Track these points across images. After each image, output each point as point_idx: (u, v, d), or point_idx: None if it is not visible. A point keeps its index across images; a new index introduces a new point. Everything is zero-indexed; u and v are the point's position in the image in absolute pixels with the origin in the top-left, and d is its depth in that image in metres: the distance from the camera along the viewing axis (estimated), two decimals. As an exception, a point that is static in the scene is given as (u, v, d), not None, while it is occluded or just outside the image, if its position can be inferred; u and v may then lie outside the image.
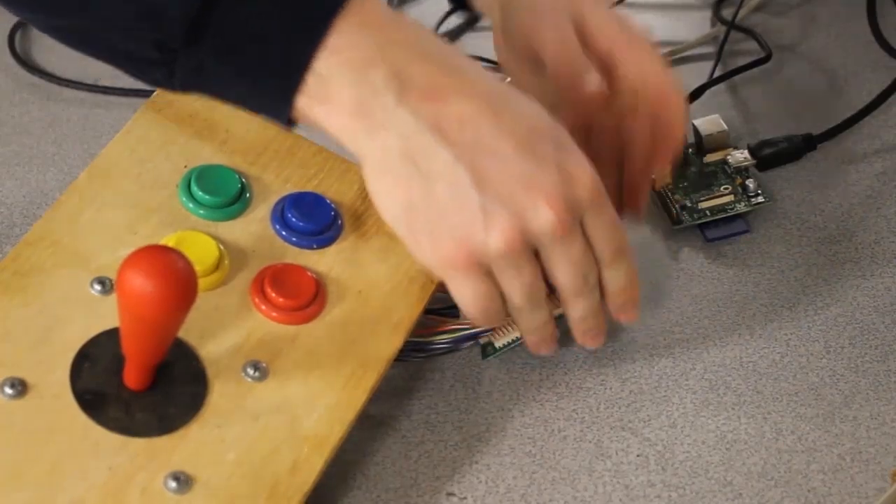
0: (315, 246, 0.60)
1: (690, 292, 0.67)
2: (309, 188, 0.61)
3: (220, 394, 0.54)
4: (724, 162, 0.73)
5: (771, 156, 0.74)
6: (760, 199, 0.71)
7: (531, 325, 0.58)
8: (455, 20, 0.92)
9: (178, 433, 0.53)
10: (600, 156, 0.58)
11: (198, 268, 0.52)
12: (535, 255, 0.55)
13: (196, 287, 0.49)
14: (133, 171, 0.59)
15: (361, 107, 0.52)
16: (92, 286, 0.56)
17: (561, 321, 0.61)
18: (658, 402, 0.61)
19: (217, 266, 0.57)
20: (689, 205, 0.71)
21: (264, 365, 0.55)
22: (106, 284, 0.56)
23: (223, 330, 0.56)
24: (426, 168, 0.52)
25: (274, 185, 0.61)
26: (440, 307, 0.64)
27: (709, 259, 0.69)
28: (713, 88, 0.79)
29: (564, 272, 0.56)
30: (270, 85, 0.53)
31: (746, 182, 0.71)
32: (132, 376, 0.53)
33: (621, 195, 0.63)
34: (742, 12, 0.86)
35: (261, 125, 0.62)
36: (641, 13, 0.93)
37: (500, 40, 0.65)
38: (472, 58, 0.55)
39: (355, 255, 0.60)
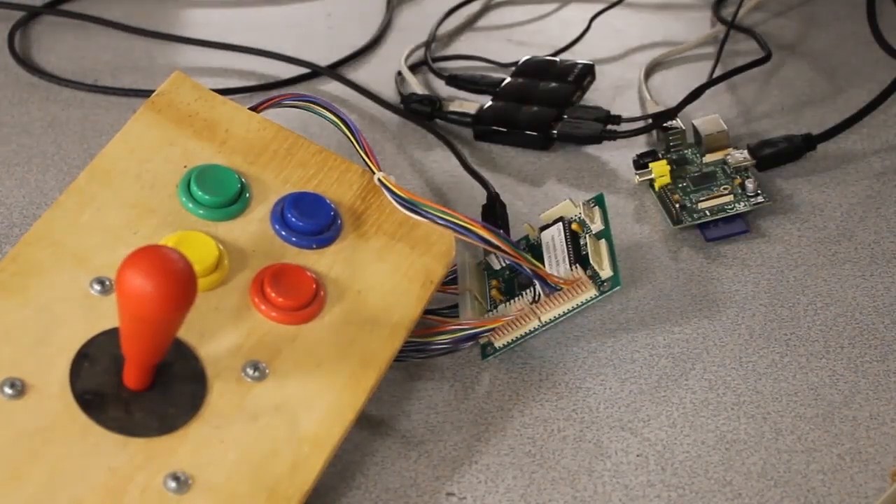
0: (314, 246, 0.60)
1: (690, 292, 0.67)
2: (308, 188, 0.61)
3: (219, 394, 0.54)
4: (724, 162, 0.73)
5: (771, 156, 0.74)
6: (760, 199, 0.71)
7: None
8: (454, 21, 0.92)
9: (177, 433, 0.53)
10: None
11: (197, 268, 0.52)
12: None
13: (196, 287, 0.49)
14: (133, 171, 0.59)
15: None
16: (92, 286, 0.56)
17: (560, 322, 0.61)
18: (658, 402, 0.61)
19: (217, 266, 0.57)
20: (688, 205, 0.71)
21: (264, 365, 0.55)
22: (106, 284, 0.56)
23: (223, 330, 0.56)
24: None
25: (273, 186, 0.61)
26: (440, 307, 0.64)
27: (709, 259, 0.69)
28: (713, 88, 0.79)
29: None
30: None
31: (746, 182, 0.71)
32: (132, 376, 0.53)
33: None
34: (742, 12, 0.86)
35: (261, 125, 0.62)
36: (641, 13, 0.94)
37: None
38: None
39: (355, 255, 0.60)
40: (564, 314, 0.61)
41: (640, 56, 0.88)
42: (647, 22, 0.92)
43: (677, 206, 0.71)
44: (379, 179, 0.61)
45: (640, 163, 0.74)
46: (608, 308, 0.66)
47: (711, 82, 0.79)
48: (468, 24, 0.92)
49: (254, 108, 0.63)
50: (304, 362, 0.56)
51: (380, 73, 0.87)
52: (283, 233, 0.59)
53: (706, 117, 0.75)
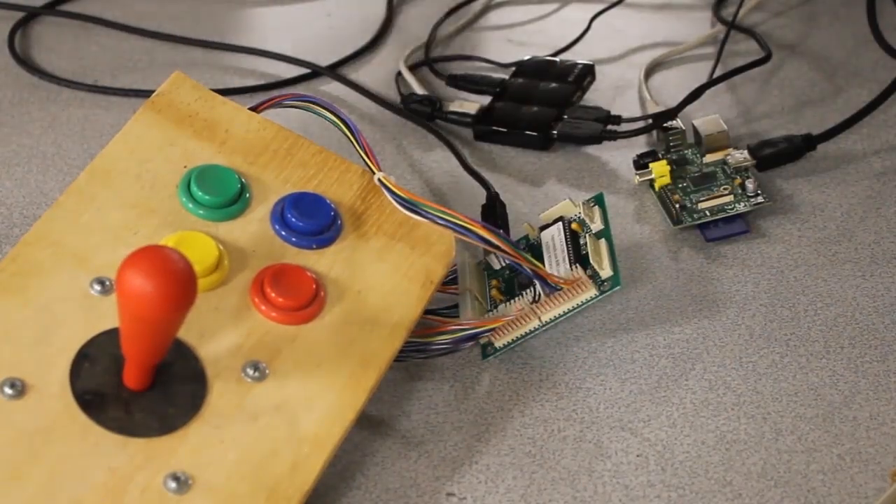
0: (315, 246, 0.60)
1: (690, 292, 0.67)
2: (308, 188, 0.61)
3: (219, 394, 0.54)
4: (724, 162, 0.73)
5: (771, 156, 0.74)
6: (760, 199, 0.71)
7: None
8: (454, 21, 0.92)
9: (177, 433, 0.53)
10: None
11: (197, 268, 0.52)
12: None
13: (196, 287, 0.49)
14: (133, 171, 0.59)
15: None
16: (92, 286, 0.56)
17: (560, 322, 0.61)
18: (658, 402, 0.61)
19: (217, 266, 0.57)
20: (688, 205, 0.71)
21: (264, 365, 0.55)
22: (106, 284, 0.56)
23: (223, 330, 0.56)
24: None
25: (273, 186, 0.61)
26: (440, 307, 0.64)
27: (709, 259, 0.69)
28: (713, 88, 0.79)
29: None
30: None
31: (746, 182, 0.71)
32: (132, 376, 0.53)
33: None
34: (742, 12, 0.86)
35: (261, 125, 0.62)
36: (641, 13, 0.94)
37: None
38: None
39: (355, 255, 0.60)
40: (565, 314, 0.61)
41: (640, 56, 0.88)
42: (647, 22, 0.92)
43: (677, 206, 0.71)
44: (379, 179, 0.61)
45: (641, 163, 0.74)
46: (608, 308, 0.66)
47: (711, 82, 0.79)
48: (468, 24, 0.92)
49: (254, 109, 0.63)
50: (304, 362, 0.56)
51: (380, 73, 0.87)
52: (284, 233, 0.59)
53: (706, 117, 0.75)
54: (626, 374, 0.62)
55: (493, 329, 0.61)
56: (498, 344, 0.62)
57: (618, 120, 0.78)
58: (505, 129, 0.78)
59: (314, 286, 0.58)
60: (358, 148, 0.63)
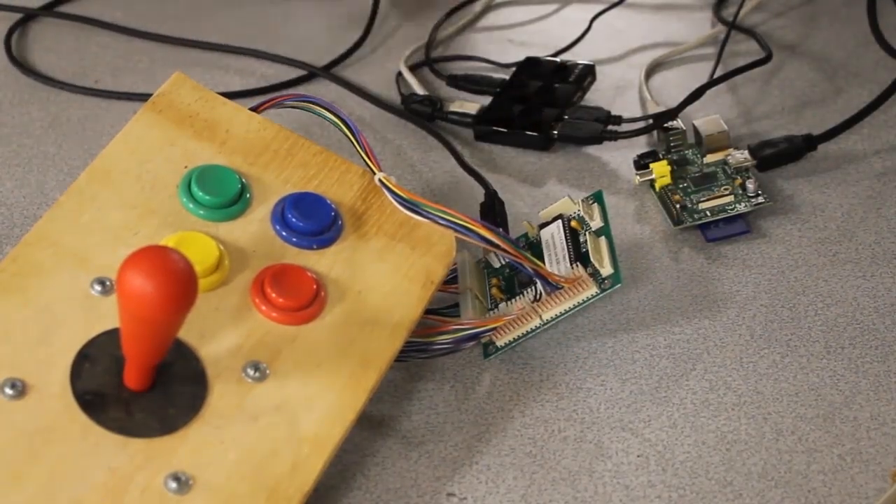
0: (315, 246, 0.60)
1: (690, 292, 0.67)
2: (309, 189, 0.61)
3: (219, 394, 0.54)
4: (725, 162, 0.73)
5: (771, 156, 0.74)
6: (760, 199, 0.71)
7: None
8: (454, 21, 0.92)
9: (178, 434, 0.53)
10: None
11: (198, 268, 0.52)
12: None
13: (196, 287, 0.49)
14: (133, 171, 0.59)
15: None
16: (92, 286, 0.56)
17: (561, 320, 0.61)
18: (658, 402, 0.61)
19: (217, 266, 0.57)
20: (689, 205, 0.71)
21: (264, 365, 0.55)
22: (106, 285, 0.56)
23: (223, 330, 0.56)
24: None
25: (274, 186, 0.61)
26: (441, 307, 0.64)
27: (709, 259, 0.69)
28: (714, 89, 0.79)
29: None
30: None
31: (746, 182, 0.71)
32: (132, 377, 0.53)
33: None
34: (742, 12, 0.86)
35: (261, 126, 0.62)
36: (641, 13, 0.94)
37: None
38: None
39: (355, 255, 0.60)
40: (566, 312, 0.61)
41: (640, 56, 0.88)
42: (647, 22, 0.92)
43: (678, 206, 0.71)
44: (379, 180, 0.61)
45: (641, 163, 0.74)
46: (609, 308, 0.66)
47: (712, 83, 0.79)
48: (468, 25, 0.92)
49: (254, 109, 0.63)
50: (304, 363, 0.56)
51: (380, 73, 0.87)
52: (284, 233, 0.59)
53: (707, 118, 0.75)
54: (627, 374, 0.62)
55: (494, 328, 0.61)
56: (499, 343, 0.62)
57: (618, 120, 0.78)
58: (505, 130, 0.78)
59: (314, 286, 0.58)
60: (358, 148, 0.63)
